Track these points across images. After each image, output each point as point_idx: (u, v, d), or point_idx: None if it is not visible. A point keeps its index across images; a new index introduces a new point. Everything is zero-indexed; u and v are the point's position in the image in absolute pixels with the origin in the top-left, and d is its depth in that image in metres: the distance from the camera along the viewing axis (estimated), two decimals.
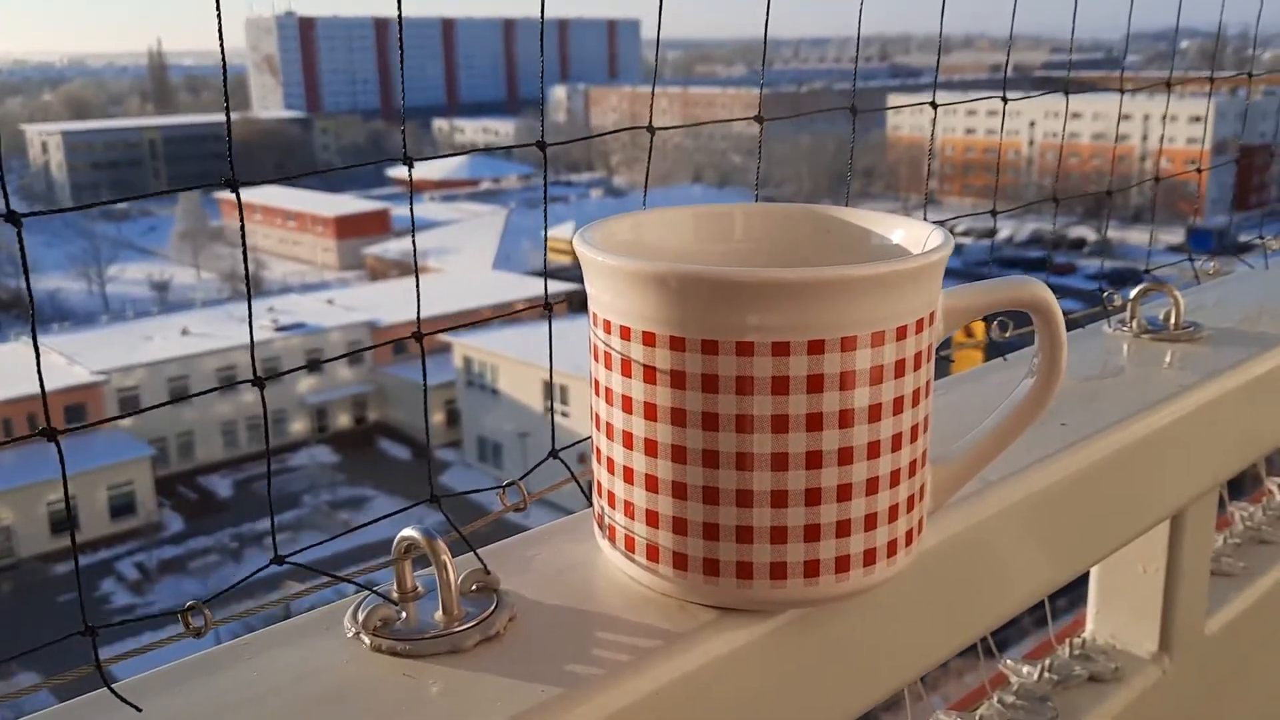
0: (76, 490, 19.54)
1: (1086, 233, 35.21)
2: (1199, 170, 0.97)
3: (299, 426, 24.00)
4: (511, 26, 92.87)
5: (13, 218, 0.35)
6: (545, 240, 0.53)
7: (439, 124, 69.41)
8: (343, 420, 24.56)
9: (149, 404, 21.79)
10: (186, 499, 21.92)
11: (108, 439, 20.57)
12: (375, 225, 36.94)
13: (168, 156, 57.26)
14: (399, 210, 38.49)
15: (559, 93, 73.63)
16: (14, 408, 20.46)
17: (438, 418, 23.79)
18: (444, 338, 23.49)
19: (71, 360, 21.86)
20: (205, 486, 22.31)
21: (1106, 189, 0.92)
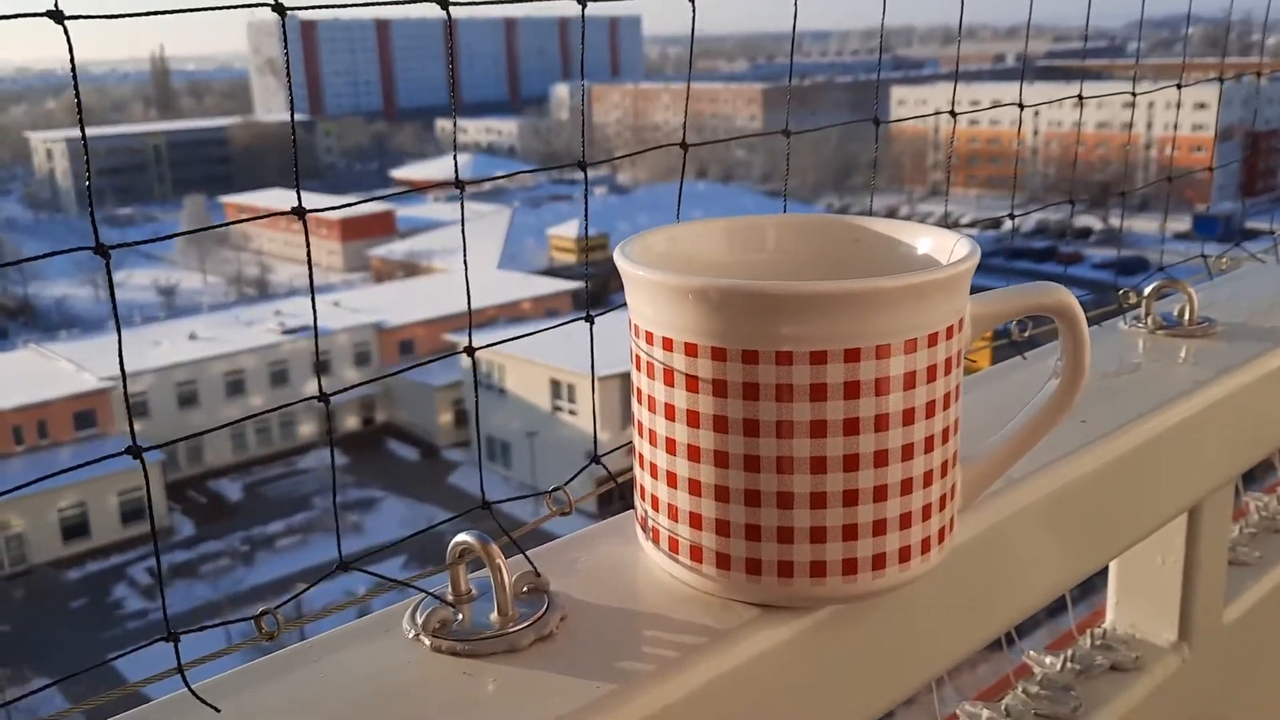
0: (86, 496, 19.62)
1: (1093, 221, 35.17)
2: (1210, 169, 0.99)
3: (307, 429, 24.06)
4: (513, 26, 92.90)
5: (101, 250, 0.37)
6: (585, 253, 0.55)
7: (442, 124, 69.42)
8: (351, 422, 24.61)
9: (157, 409, 21.66)
10: (197, 503, 21.99)
11: (117, 445, 20.55)
12: (380, 227, 36.99)
13: (171, 161, 57.42)
14: (403, 212, 38.53)
15: (561, 91, 73.62)
16: (24, 415, 20.56)
17: (445, 418, 23.83)
18: (449, 337, 23.55)
19: (80, 367, 21.94)
20: (215, 490, 22.39)
21: (1121, 189, 0.94)
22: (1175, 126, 1.03)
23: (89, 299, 36.30)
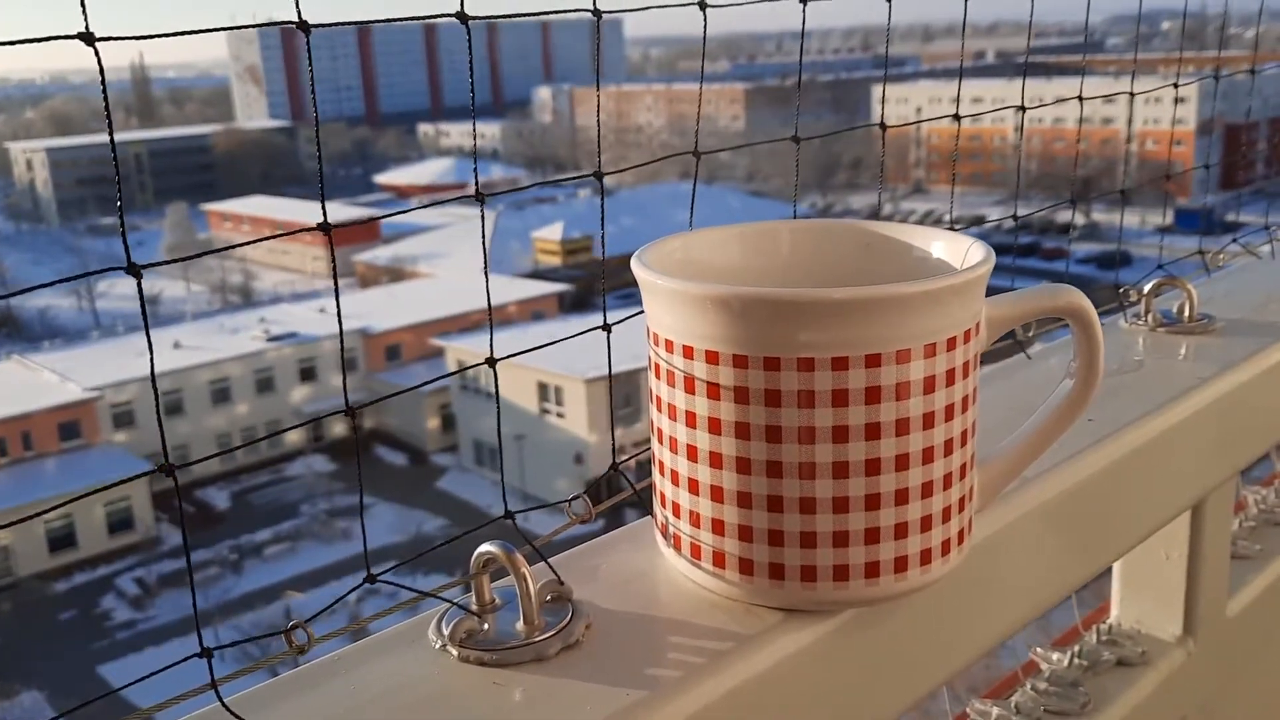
0: (74, 508, 19.51)
1: (1076, 217, 35.30)
2: (1206, 166, 1.00)
3: (295, 436, 23.99)
4: (494, 29, 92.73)
5: (133, 270, 0.37)
6: (603, 257, 0.55)
7: (424, 129, 69.34)
8: (338, 429, 24.52)
9: (143, 419, 21.46)
10: (184, 512, 21.86)
11: (103, 455, 20.55)
12: (364, 232, 36.87)
13: (153, 170, 57.15)
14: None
15: (544, 93, 73.57)
16: (8, 426, 20.43)
17: (433, 422, 23.79)
18: (436, 342, 23.51)
19: (64, 378, 21.81)
20: (202, 499, 22.28)
21: (1103, 184, 0.95)
22: (1173, 123, 1.04)
23: (72, 309, 36.10)
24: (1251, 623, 0.94)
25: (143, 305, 0.38)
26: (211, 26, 0.42)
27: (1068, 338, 0.56)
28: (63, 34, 0.34)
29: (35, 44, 0.33)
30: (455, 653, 0.48)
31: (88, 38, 0.34)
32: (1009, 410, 0.64)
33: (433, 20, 0.54)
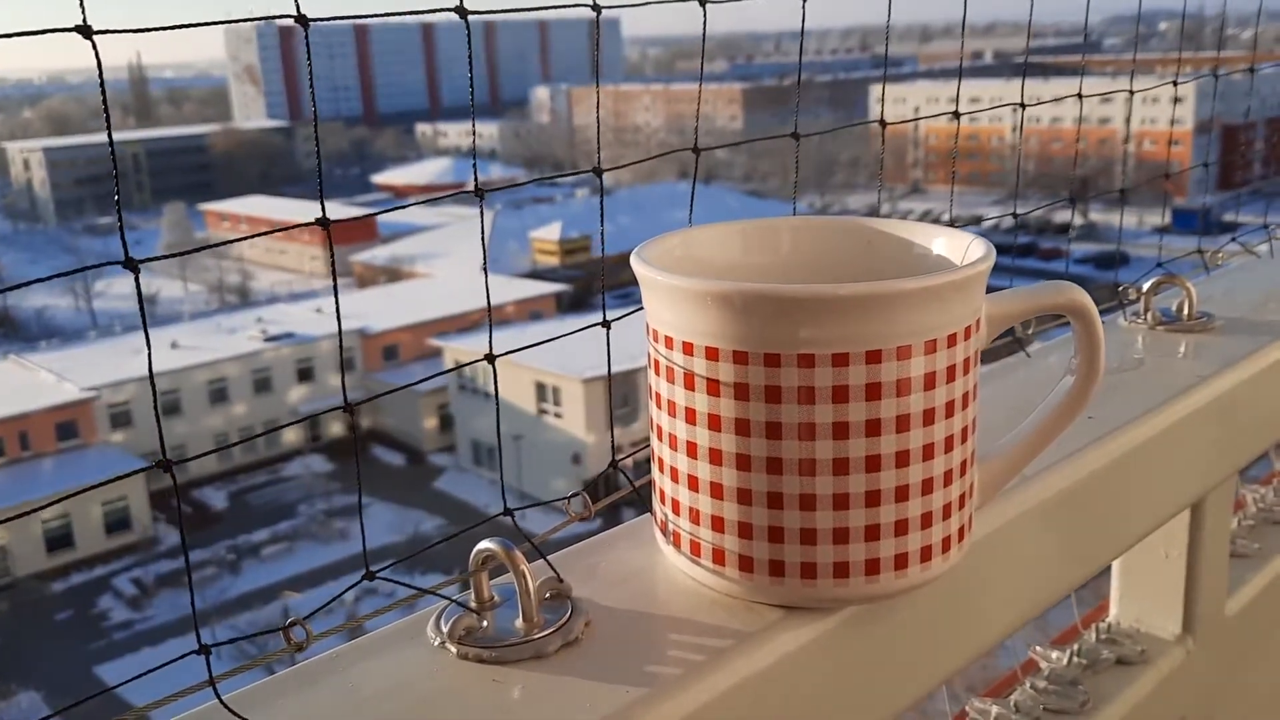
0: (70, 508, 19.46)
1: (1074, 217, 35.30)
2: (1205, 165, 1.00)
3: (292, 436, 23.94)
4: (492, 29, 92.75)
5: (130, 264, 0.37)
6: (603, 253, 0.55)
7: (422, 129, 69.33)
8: (335, 429, 24.48)
9: (140, 419, 21.38)
10: (182, 512, 21.82)
11: (100, 455, 20.52)
12: (362, 232, 36.84)
13: (150, 169, 57.11)
14: (385, 217, 38.41)
15: (542, 93, 73.56)
16: (5, 426, 20.40)
17: (431, 422, 23.77)
18: (434, 342, 23.49)
19: (61, 377, 21.77)
20: (200, 499, 22.25)
21: (1120, 187, 0.95)
22: (1171, 123, 1.04)
23: (69, 309, 36.04)
24: (1251, 621, 0.94)
25: (140, 301, 0.38)
26: (209, 20, 0.41)
27: (1067, 336, 0.56)
28: (60, 27, 0.33)
29: (33, 37, 0.33)
30: (454, 650, 0.48)
31: (85, 31, 0.34)
32: (1009, 408, 0.64)
33: (431, 20, 0.54)
